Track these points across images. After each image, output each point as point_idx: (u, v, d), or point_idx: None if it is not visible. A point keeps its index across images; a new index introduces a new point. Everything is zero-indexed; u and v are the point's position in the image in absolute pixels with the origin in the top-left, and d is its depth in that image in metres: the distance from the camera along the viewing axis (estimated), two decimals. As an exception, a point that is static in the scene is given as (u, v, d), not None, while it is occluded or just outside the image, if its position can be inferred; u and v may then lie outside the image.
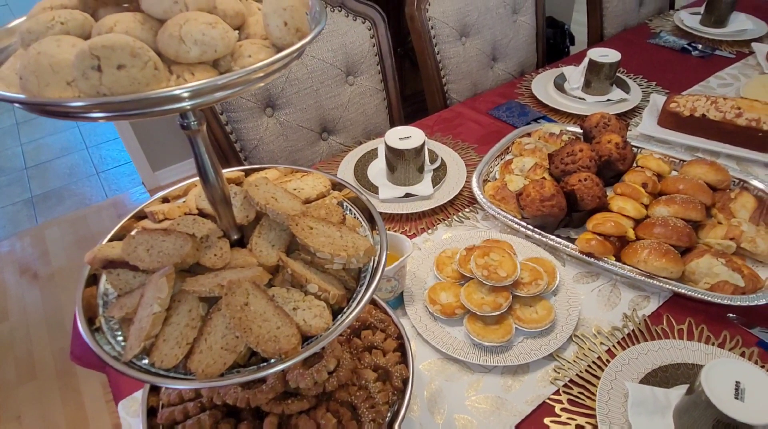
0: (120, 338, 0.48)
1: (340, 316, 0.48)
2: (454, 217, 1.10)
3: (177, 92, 0.30)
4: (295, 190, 0.56)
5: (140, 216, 0.59)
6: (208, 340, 0.43)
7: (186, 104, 0.31)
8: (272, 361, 0.42)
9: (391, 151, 1.12)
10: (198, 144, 0.44)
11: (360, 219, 0.59)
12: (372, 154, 1.27)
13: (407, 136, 1.13)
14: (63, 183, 2.98)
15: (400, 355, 0.69)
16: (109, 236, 0.56)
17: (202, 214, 0.55)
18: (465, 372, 0.81)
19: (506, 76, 1.70)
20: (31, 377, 1.97)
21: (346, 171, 1.23)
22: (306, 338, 0.45)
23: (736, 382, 0.63)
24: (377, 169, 1.23)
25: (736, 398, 0.62)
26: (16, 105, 0.32)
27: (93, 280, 0.53)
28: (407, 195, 1.13)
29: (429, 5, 1.44)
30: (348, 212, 0.60)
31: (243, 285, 0.44)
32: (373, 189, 1.16)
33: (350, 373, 0.62)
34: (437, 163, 1.21)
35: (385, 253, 0.51)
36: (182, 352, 0.43)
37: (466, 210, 1.12)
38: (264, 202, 0.50)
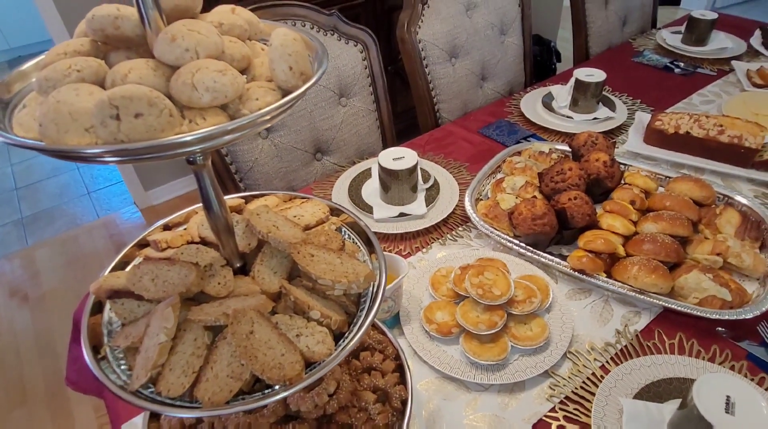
0: (124, 366, 0.49)
1: (341, 341, 0.49)
2: (448, 235, 1.12)
3: (188, 139, 0.32)
4: (295, 217, 0.58)
5: (142, 244, 0.60)
6: (214, 368, 0.44)
7: (197, 148, 0.33)
8: (276, 387, 0.43)
9: (384, 171, 1.14)
10: (203, 178, 0.45)
11: (358, 243, 0.61)
12: (366, 174, 1.29)
13: (400, 157, 1.15)
14: (54, 203, 2.97)
15: (399, 375, 0.70)
16: (111, 265, 0.57)
17: (204, 242, 0.56)
18: (462, 391, 0.82)
19: (495, 95, 1.74)
20: (22, 402, 1.94)
21: (340, 191, 1.25)
22: (309, 364, 0.47)
23: (727, 396, 0.65)
24: (371, 189, 1.25)
25: (727, 412, 0.64)
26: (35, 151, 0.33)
27: (97, 308, 0.53)
28: (401, 214, 1.15)
29: (419, 28, 1.47)
30: (346, 237, 0.62)
31: (248, 314, 0.45)
32: (368, 209, 1.17)
33: (350, 395, 0.63)
34: (430, 183, 1.23)
35: (384, 278, 0.53)
36: (189, 380, 0.44)
37: (460, 228, 1.14)
38: (266, 231, 0.51)
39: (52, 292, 2.40)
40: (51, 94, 0.33)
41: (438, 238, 1.11)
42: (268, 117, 0.36)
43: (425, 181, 1.24)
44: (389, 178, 1.15)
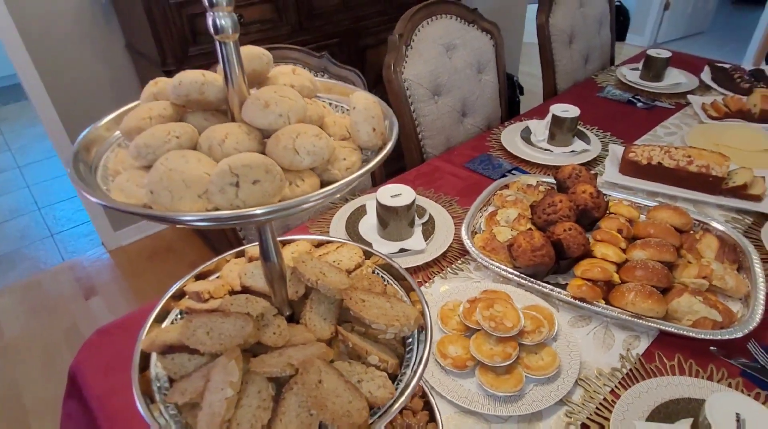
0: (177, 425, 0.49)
1: (396, 383, 0.50)
2: (448, 269, 1.15)
3: (311, 201, 0.33)
4: (334, 262, 0.59)
5: (177, 295, 0.60)
6: (284, 420, 0.44)
7: (309, 205, 0.34)
8: (346, 435, 0.44)
9: (383, 208, 1.17)
10: (265, 230, 0.46)
11: (393, 284, 0.63)
12: (361, 211, 1.31)
13: (398, 194, 1.18)
14: (14, 247, 2.82)
15: (428, 413, 0.71)
16: (150, 320, 0.56)
17: (247, 291, 0.57)
18: (482, 423, 0.83)
19: (475, 129, 1.81)
20: (-15, 465, 1.80)
21: (338, 229, 1.26)
22: (370, 408, 0.47)
23: (737, 414, 0.70)
24: (368, 226, 1.27)
25: (739, 429, 0.68)
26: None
27: (143, 365, 0.53)
28: (401, 250, 1.17)
29: (404, 69, 1.53)
30: (381, 278, 0.63)
31: (315, 363, 0.46)
32: (367, 245, 1.19)
33: (388, 437, 0.63)
34: (426, 218, 1.27)
35: (429, 318, 0.55)
36: (257, 434, 0.44)
37: (459, 261, 1.17)
38: (315, 278, 0.53)
39: (14, 341, 2.26)
40: (160, 162, 0.34)
41: (439, 272, 1.14)
42: (361, 176, 0.38)
43: (420, 216, 1.27)
44: (388, 215, 1.17)
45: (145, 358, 0.53)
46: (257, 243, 0.65)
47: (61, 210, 3.11)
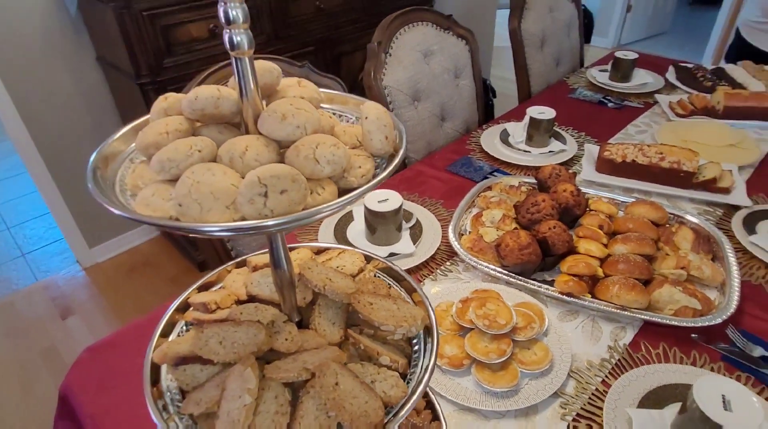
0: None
1: (407, 382, 0.52)
2: (438, 270, 1.17)
3: (332, 205, 0.34)
4: (338, 267, 0.60)
5: (180, 308, 0.60)
6: (302, 423, 0.45)
7: (331, 211, 0.36)
8: (365, 434, 0.45)
9: (371, 213, 1.18)
10: (277, 239, 0.47)
11: (395, 286, 0.64)
12: (348, 217, 1.33)
13: (385, 199, 1.20)
14: (-18, 269, 2.73)
15: (431, 411, 0.72)
16: (156, 333, 0.56)
17: (254, 299, 0.57)
18: (481, 420, 0.85)
19: (455, 133, 1.85)
20: (-37, 496, 1.73)
21: (326, 235, 1.27)
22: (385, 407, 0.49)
23: (722, 396, 0.73)
24: (356, 231, 1.28)
25: (726, 410, 0.72)
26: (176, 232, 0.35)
27: (153, 379, 0.53)
28: (391, 254, 1.19)
29: (384, 75, 1.56)
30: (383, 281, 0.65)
31: (332, 366, 0.47)
32: (357, 251, 1.20)
33: (395, 437, 0.64)
34: (413, 222, 1.29)
35: (434, 317, 0.56)
36: (278, 439, 0.44)
37: (447, 263, 1.19)
38: (322, 284, 0.54)
39: (-11, 366, 2.19)
40: (186, 175, 0.35)
41: (429, 275, 1.16)
42: (378, 183, 0.39)
43: (407, 220, 1.29)
44: (376, 220, 1.19)
45: (155, 372, 0.53)
46: (260, 252, 0.66)
47: (32, 228, 3.02)
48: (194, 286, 0.63)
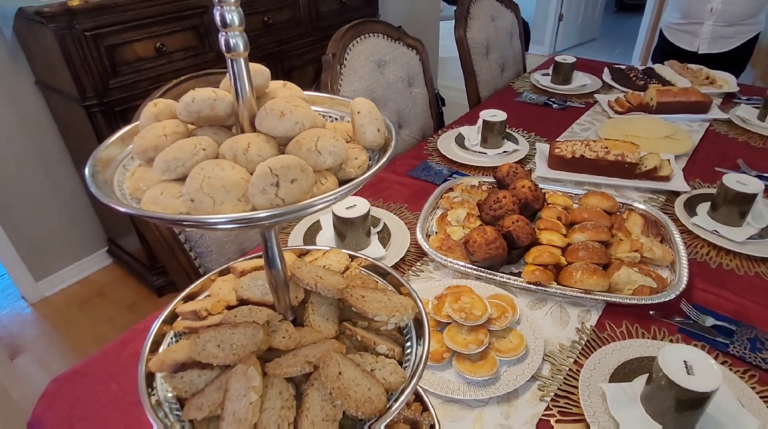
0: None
1: (404, 368, 0.54)
2: (409, 271, 1.20)
3: (337, 192, 0.36)
4: (325, 266, 0.62)
5: (167, 320, 0.59)
6: (309, 415, 0.46)
7: (332, 200, 0.37)
8: (371, 420, 0.47)
9: (340, 220, 1.20)
10: (271, 237, 0.48)
11: (380, 281, 0.66)
12: (316, 226, 1.33)
13: (352, 205, 1.22)
14: None
15: (420, 404, 0.74)
16: (147, 347, 0.55)
17: (244, 303, 0.58)
18: (466, 410, 0.88)
19: (412, 140, 1.89)
20: None
21: (297, 244, 1.27)
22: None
23: (684, 361, 0.79)
24: (325, 239, 1.29)
25: (689, 374, 0.78)
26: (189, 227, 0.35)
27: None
28: (363, 259, 1.21)
29: (341, 86, 1.58)
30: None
31: (334, 356, 0.48)
32: (329, 258, 1.21)
33: (390, 430, 0.66)
34: (380, 226, 1.31)
35: (422, 306, 0.59)
36: (287, 433, 0.45)
37: (418, 264, 1.22)
38: (313, 282, 0.55)
39: (-71, 418, 2.01)
40: (196, 172, 0.36)
41: (401, 276, 1.18)
42: (376, 172, 0.41)
43: (375, 225, 1.31)
44: (345, 227, 1.20)
45: (149, 384, 0.53)
46: (244, 258, 0.67)
47: (-31, 265, 2.81)
48: (179, 298, 0.62)
